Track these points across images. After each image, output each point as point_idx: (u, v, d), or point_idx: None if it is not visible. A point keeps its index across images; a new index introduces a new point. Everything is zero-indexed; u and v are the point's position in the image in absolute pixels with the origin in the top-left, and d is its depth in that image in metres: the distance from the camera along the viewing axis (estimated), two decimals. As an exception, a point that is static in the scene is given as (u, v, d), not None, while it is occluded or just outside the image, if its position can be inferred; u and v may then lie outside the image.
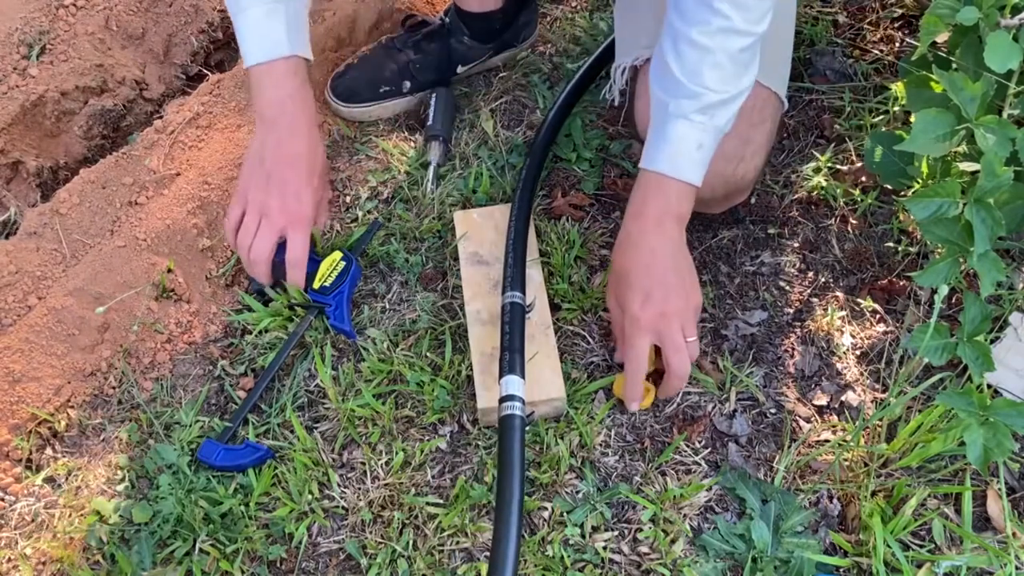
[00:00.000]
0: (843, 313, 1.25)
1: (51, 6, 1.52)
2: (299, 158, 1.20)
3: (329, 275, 1.25)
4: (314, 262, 1.26)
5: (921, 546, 1.06)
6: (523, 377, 1.09)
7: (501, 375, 1.09)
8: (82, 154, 1.52)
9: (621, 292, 1.10)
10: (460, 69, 1.51)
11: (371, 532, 1.10)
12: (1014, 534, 1.05)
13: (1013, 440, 0.96)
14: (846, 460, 1.11)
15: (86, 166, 1.41)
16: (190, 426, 1.18)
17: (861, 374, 1.20)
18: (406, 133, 1.49)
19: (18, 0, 1.53)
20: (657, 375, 1.14)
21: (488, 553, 1.07)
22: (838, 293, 1.27)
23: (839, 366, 1.21)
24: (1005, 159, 0.96)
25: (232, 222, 1.22)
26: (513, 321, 1.14)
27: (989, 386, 1.13)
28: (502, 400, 1.07)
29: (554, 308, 1.25)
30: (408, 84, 1.49)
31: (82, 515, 1.12)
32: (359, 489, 1.13)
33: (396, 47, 1.49)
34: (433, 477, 1.13)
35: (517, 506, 0.97)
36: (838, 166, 1.37)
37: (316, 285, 1.25)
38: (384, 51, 1.50)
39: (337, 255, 1.27)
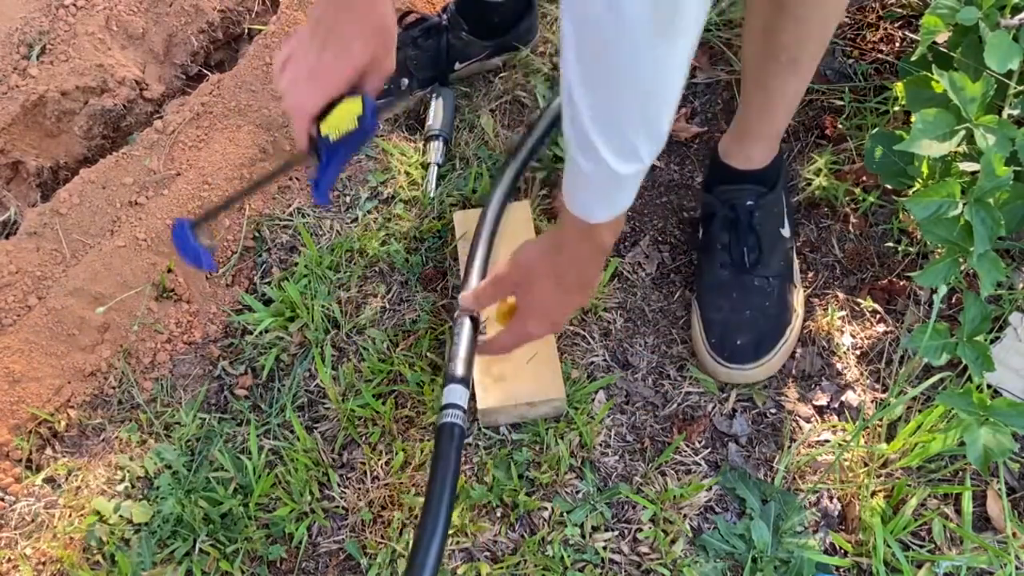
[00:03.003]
0: (843, 313, 1.24)
1: (51, 6, 1.52)
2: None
3: (340, 124, 0.96)
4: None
5: (921, 546, 1.06)
6: (467, 387, 1.05)
7: (444, 384, 1.05)
8: (82, 154, 1.52)
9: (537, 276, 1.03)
10: (457, 66, 1.51)
11: (371, 532, 1.10)
12: (1014, 534, 1.05)
13: (1013, 440, 0.96)
14: (846, 460, 1.11)
15: (86, 166, 1.41)
16: (190, 426, 1.18)
17: (861, 374, 1.20)
18: (406, 133, 1.49)
19: (18, 0, 1.53)
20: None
21: (489, 553, 1.08)
22: (838, 293, 1.27)
23: (839, 366, 1.21)
24: (1005, 159, 0.96)
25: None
26: (461, 332, 1.10)
27: (989, 386, 1.13)
28: (442, 408, 1.03)
29: (554, 308, 1.24)
30: (406, 81, 1.49)
31: (82, 515, 1.12)
32: (359, 489, 1.13)
33: (397, 47, 1.49)
34: (433, 477, 1.13)
35: (445, 514, 0.93)
36: (839, 166, 1.37)
37: (322, 130, 0.96)
38: None
39: (357, 104, 0.96)
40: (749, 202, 1.19)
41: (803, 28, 1.02)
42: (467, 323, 1.10)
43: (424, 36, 1.49)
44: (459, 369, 1.05)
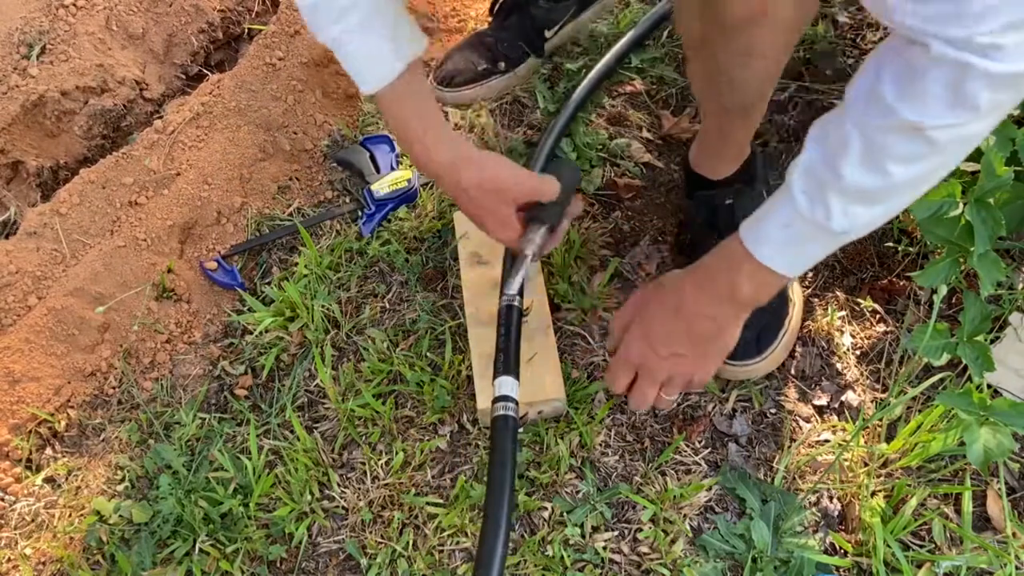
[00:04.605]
0: (843, 313, 1.24)
1: (51, 6, 1.52)
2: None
3: (389, 186, 1.36)
4: (389, 167, 1.39)
5: (921, 546, 1.06)
6: (517, 378, 1.08)
7: (495, 376, 1.08)
8: (82, 154, 1.52)
9: (650, 328, 1.00)
10: (548, 33, 1.52)
11: (371, 532, 1.10)
12: (1014, 534, 1.05)
13: (1013, 440, 0.96)
14: (846, 460, 1.11)
15: (86, 166, 1.41)
16: (190, 426, 1.18)
17: (861, 374, 1.20)
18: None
19: (18, 0, 1.53)
20: None
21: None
22: (838, 293, 1.27)
23: (839, 366, 1.21)
24: (1005, 159, 0.96)
25: None
26: (509, 323, 1.12)
27: (989, 386, 1.13)
28: (495, 400, 1.06)
29: (554, 308, 1.25)
30: (503, 64, 1.51)
31: (82, 515, 1.12)
32: (359, 489, 1.13)
33: (487, 34, 1.53)
34: (433, 477, 1.13)
35: (507, 505, 0.97)
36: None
37: (374, 186, 1.36)
38: (477, 38, 1.54)
39: (407, 175, 1.37)
40: (728, 200, 1.20)
41: (739, 88, 1.02)
42: (513, 314, 1.12)
43: (507, 16, 1.51)
44: (509, 360, 1.08)
